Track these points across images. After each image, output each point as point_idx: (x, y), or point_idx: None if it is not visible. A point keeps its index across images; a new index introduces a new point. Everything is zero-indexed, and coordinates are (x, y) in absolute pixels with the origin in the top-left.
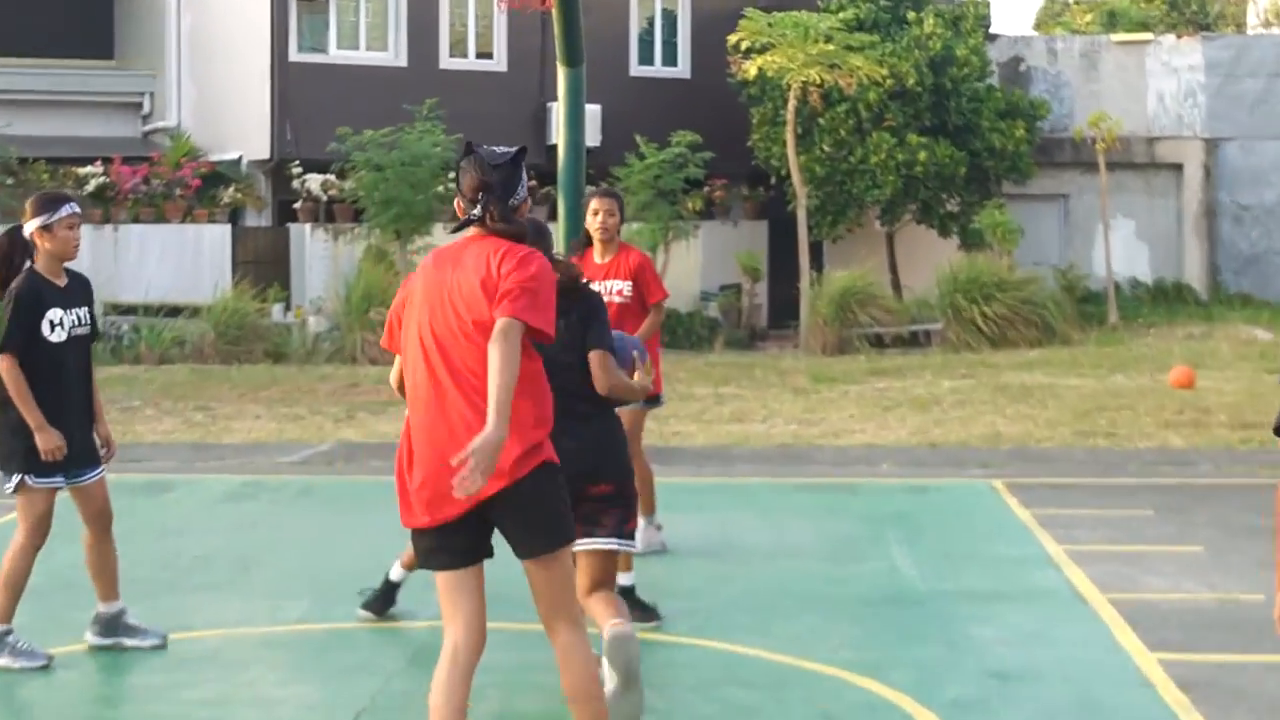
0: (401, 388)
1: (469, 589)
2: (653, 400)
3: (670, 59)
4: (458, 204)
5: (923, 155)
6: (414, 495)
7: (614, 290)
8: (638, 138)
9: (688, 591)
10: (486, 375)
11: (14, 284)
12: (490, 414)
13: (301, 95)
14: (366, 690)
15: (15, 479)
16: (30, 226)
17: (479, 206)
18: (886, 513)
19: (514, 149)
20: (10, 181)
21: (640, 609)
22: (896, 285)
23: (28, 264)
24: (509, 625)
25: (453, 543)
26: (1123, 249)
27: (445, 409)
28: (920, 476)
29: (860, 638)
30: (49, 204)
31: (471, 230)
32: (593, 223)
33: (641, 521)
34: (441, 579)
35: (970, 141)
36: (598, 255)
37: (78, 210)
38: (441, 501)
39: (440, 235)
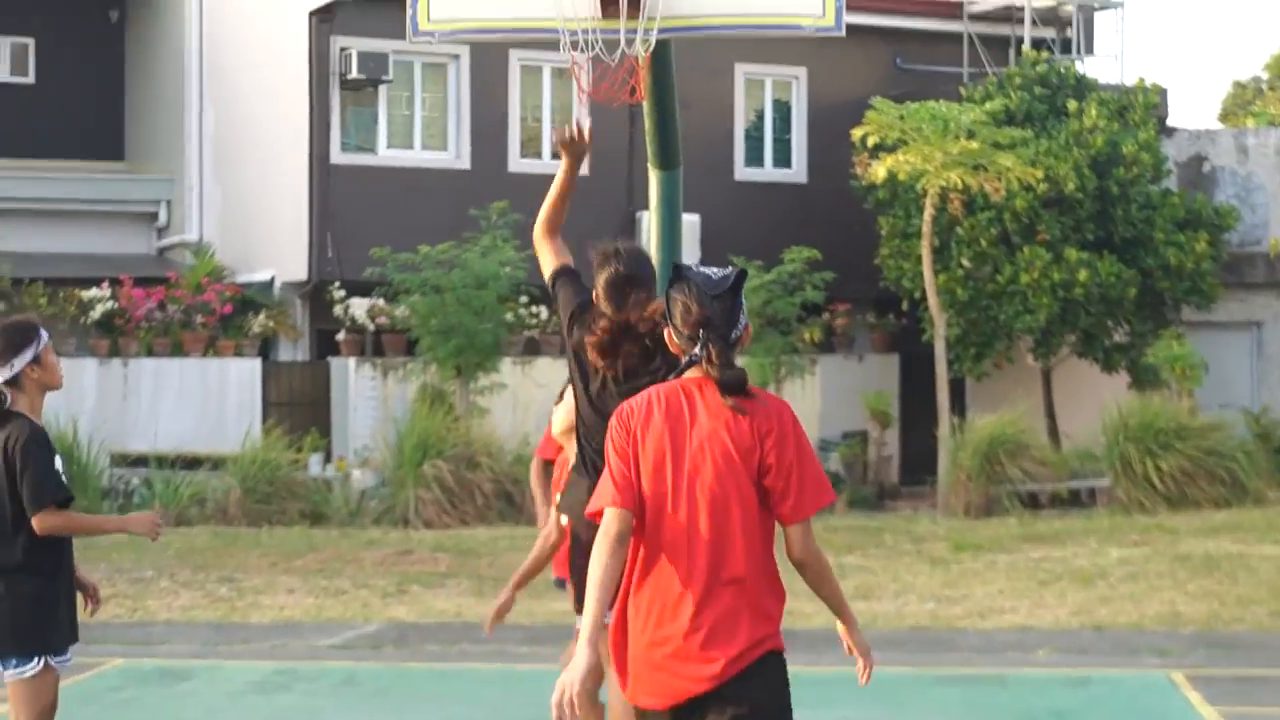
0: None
1: None
2: None
3: (783, 160)
4: (668, 335)
5: (1084, 274)
6: (643, 674)
7: None
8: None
9: None
10: (740, 544)
11: (13, 435)
12: (848, 615)
13: (345, 204)
14: None
15: (35, 661)
16: (21, 362)
17: (699, 346)
18: (1042, 709)
19: (733, 272)
20: (2, 307)
21: None
22: (1054, 432)
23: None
24: None
25: None
26: None
27: (696, 587)
28: (1084, 666)
29: None
30: (28, 331)
31: (693, 371)
32: None
33: None
34: None
35: (1141, 258)
36: None
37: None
38: (673, 685)
39: (508, 372)
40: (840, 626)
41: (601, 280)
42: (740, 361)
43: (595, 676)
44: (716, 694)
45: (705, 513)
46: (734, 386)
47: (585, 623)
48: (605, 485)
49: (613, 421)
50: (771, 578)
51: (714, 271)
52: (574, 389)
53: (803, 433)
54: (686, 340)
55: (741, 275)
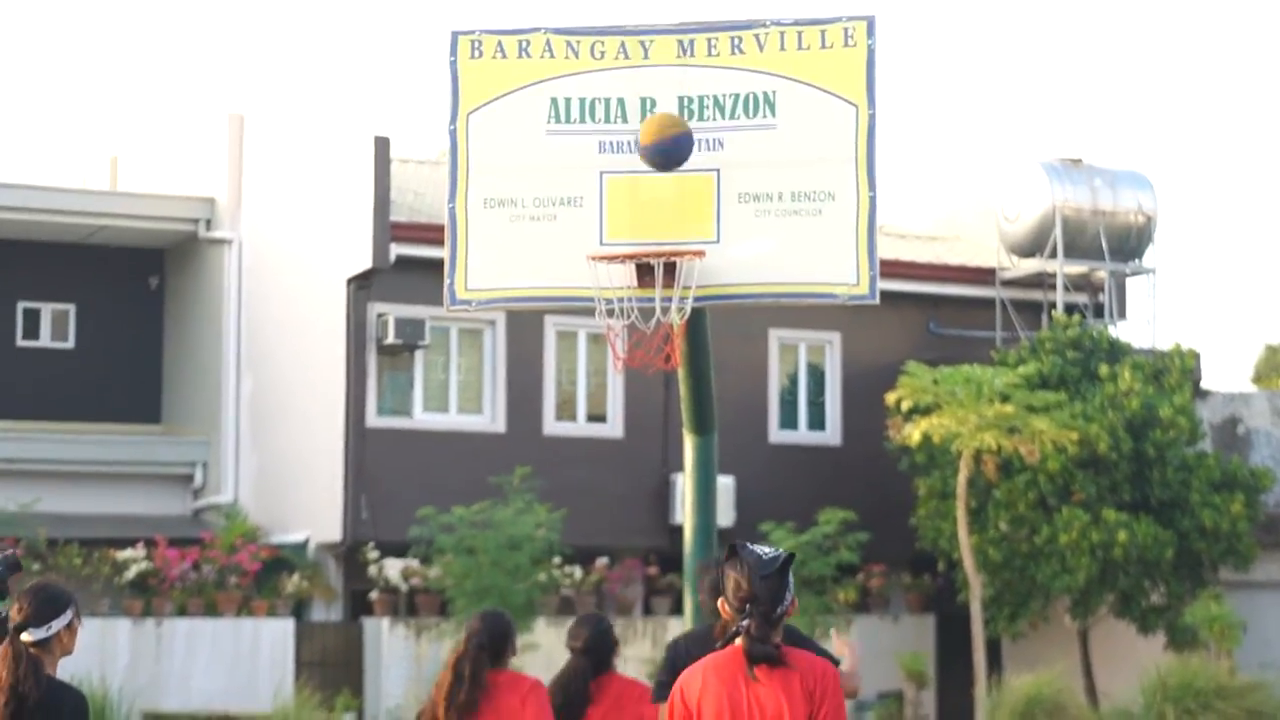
0: None
1: None
2: None
3: (817, 423)
4: (722, 605)
5: (1122, 535)
6: None
7: None
8: (766, 523)
9: None
10: None
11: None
12: None
13: (380, 466)
14: None
15: None
16: (59, 624)
17: (745, 618)
18: None
19: (782, 555)
20: (37, 567)
21: None
22: (1092, 692)
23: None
24: None
25: None
26: None
27: None
28: None
29: None
30: (65, 597)
31: (739, 642)
32: None
33: None
34: None
35: (1178, 519)
36: None
37: None
38: None
39: (543, 632)
40: None
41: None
42: None
43: None
44: None
45: None
46: (757, 658)
47: None
48: None
49: (673, 694)
50: None
51: (765, 551)
52: None
53: (841, 695)
54: (735, 611)
55: (790, 558)
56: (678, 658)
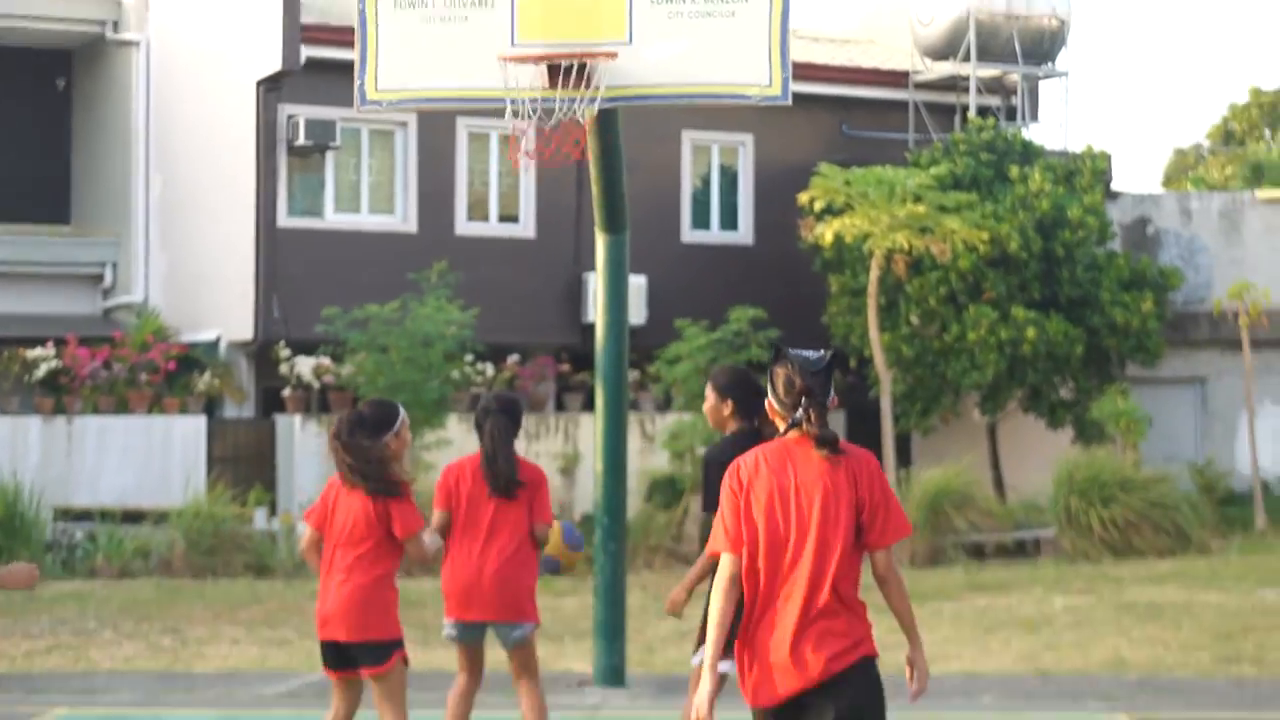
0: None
1: None
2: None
3: (729, 222)
4: (769, 405)
5: (1031, 332)
6: (762, 677)
7: None
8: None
9: None
10: (837, 571)
11: None
12: (913, 632)
13: (291, 266)
14: None
15: None
16: None
17: (800, 410)
18: None
19: (827, 354)
20: None
21: None
22: (999, 485)
23: None
24: None
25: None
26: (1271, 441)
27: (800, 605)
28: (1029, 710)
29: None
30: None
31: (792, 434)
32: None
33: None
34: None
35: (1087, 316)
36: None
37: None
38: (784, 683)
39: (454, 428)
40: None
41: None
42: (686, 416)
43: (717, 695)
44: (818, 691)
45: (812, 546)
46: (829, 443)
47: (707, 652)
48: (719, 531)
49: (727, 474)
50: (857, 600)
51: (810, 353)
52: None
53: (885, 476)
54: (788, 408)
55: (835, 357)
56: (711, 462)
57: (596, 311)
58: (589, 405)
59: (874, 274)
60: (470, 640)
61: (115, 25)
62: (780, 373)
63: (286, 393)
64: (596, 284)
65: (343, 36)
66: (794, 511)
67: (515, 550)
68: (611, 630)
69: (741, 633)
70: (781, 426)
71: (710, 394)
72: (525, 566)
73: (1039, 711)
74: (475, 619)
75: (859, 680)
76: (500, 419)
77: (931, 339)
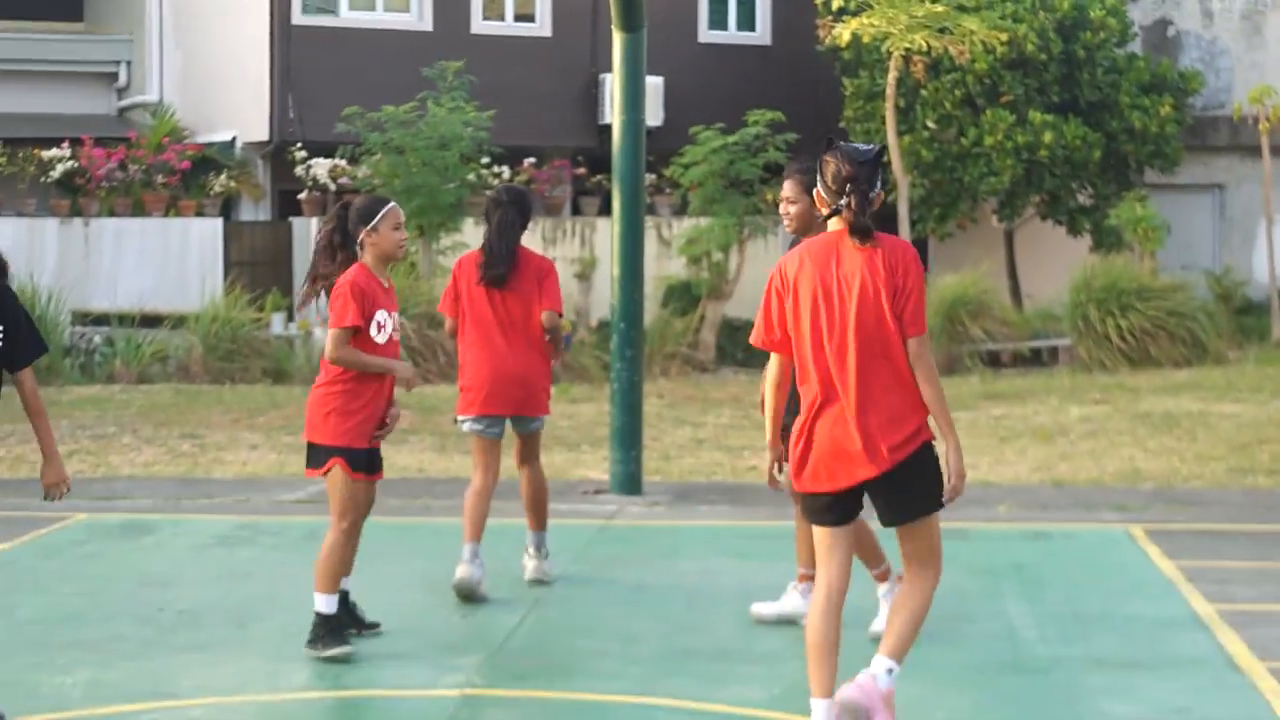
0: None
1: (845, 539)
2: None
3: (747, 22)
4: (818, 194)
5: (1049, 137)
6: (819, 465)
7: None
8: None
9: (763, 655)
10: (887, 358)
11: None
12: (946, 428)
13: (306, 65)
14: None
15: None
16: None
17: (844, 198)
18: (1003, 563)
19: (875, 148)
20: None
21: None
22: (1016, 293)
23: None
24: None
25: (844, 504)
26: None
27: (855, 395)
28: (1044, 520)
29: (970, 711)
30: None
31: (835, 222)
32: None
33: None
34: (824, 533)
35: (1106, 121)
36: None
37: None
38: (846, 473)
39: (470, 232)
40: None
41: None
42: (702, 221)
43: (779, 462)
44: (881, 479)
45: (855, 335)
46: (862, 231)
47: (768, 438)
48: (760, 323)
49: (774, 270)
50: (912, 386)
51: (859, 146)
52: None
53: (921, 268)
54: (834, 195)
55: (883, 150)
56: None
57: (613, 112)
58: (605, 210)
59: (892, 76)
60: (492, 434)
61: None
62: (830, 162)
63: (303, 196)
64: (613, 84)
65: None
66: (837, 303)
67: (531, 344)
68: (628, 437)
69: (799, 424)
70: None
71: (794, 189)
72: (542, 358)
73: (1054, 521)
74: (496, 412)
75: (920, 466)
76: (509, 210)
77: (949, 143)
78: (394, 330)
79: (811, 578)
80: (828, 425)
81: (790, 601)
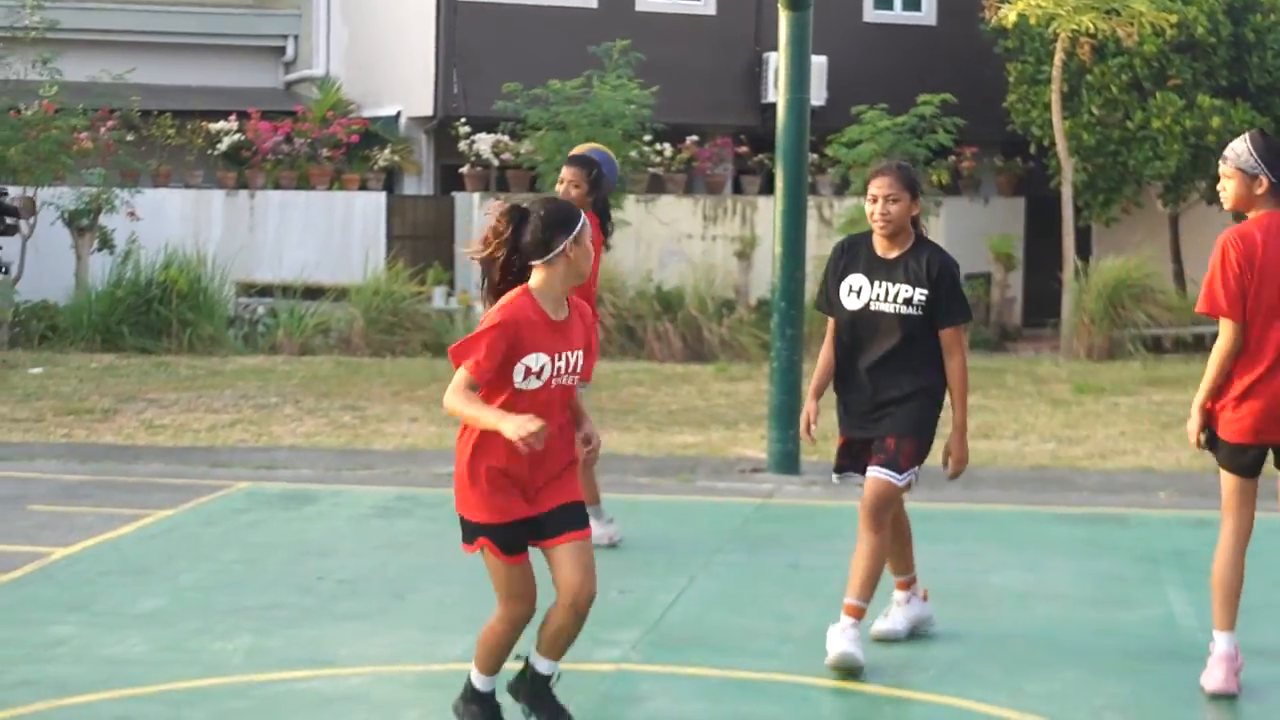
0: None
1: (1253, 491)
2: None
3: (912, 2)
4: (1263, 178)
5: (1216, 121)
6: (1260, 421)
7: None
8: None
9: (923, 638)
10: None
11: None
12: None
13: (472, 41)
14: None
15: None
16: None
17: None
18: (1164, 550)
19: None
20: (131, 137)
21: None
22: (1180, 277)
23: None
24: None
25: (1262, 459)
26: None
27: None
28: (1205, 508)
29: (1129, 699)
30: None
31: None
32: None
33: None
34: (1241, 483)
35: (1276, 105)
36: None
37: None
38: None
39: (631, 209)
40: None
41: None
42: (865, 203)
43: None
44: None
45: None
46: None
47: (1201, 395)
48: (1215, 292)
49: (1226, 243)
50: None
51: None
52: None
53: None
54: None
55: None
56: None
57: (778, 90)
58: (766, 188)
59: (1058, 57)
60: None
61: None
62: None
63: (465, 170)
64: (778, 62)
65: None
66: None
67: None
68: (786, 417)
69: (1243, 384)
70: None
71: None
72: None
73: (1214, 510)
74: None
75: None
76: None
77: (1114, 127)
78: (558, 373)
79: (908, 585)
80: (1273, 386)
81: (906, 613)
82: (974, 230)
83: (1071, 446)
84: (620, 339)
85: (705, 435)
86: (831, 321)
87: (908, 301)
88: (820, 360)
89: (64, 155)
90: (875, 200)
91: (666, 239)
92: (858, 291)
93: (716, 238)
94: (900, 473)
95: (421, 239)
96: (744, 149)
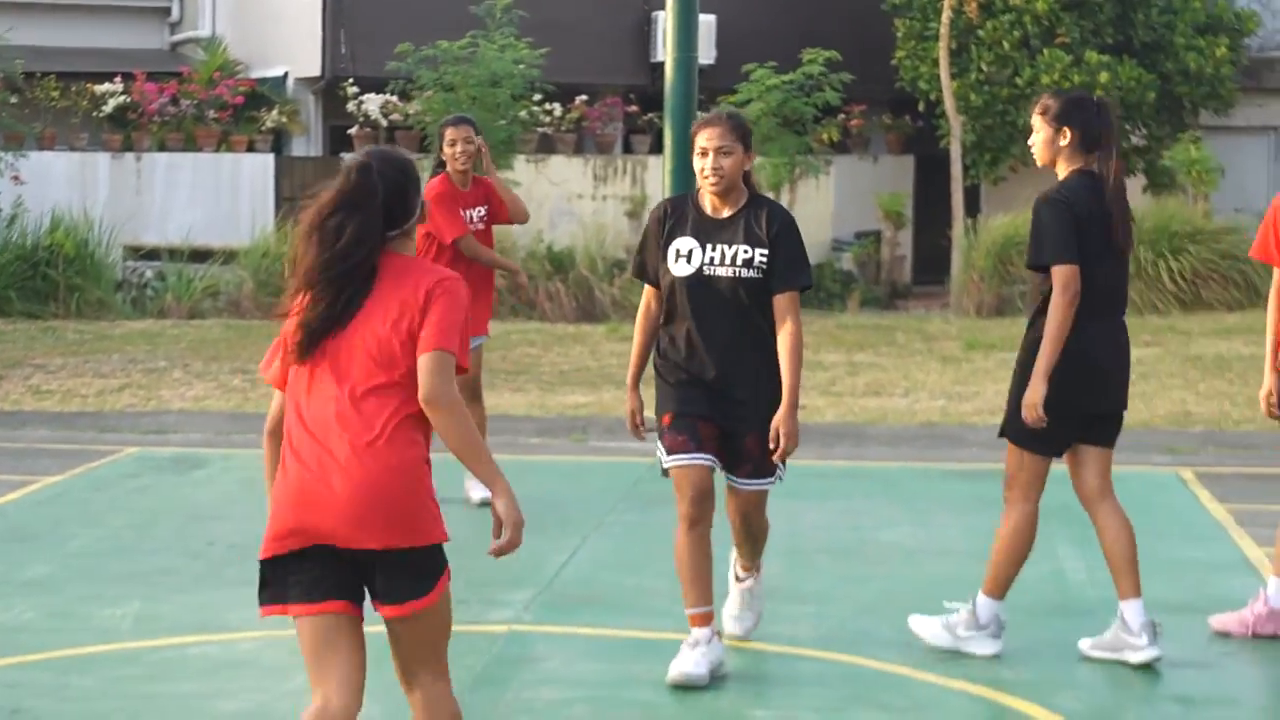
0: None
1: None
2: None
3: None
4: None
5: (1104, 77)
6: None
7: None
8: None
9: (813, 594)
10: None
11: None
12: None
13: (359, 2)
14: None
15: None
16: None
17: None
18: (1050, 505)
19: None
20: (15, 100)
21: None
22: None
23: None
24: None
25: None
26: None
27: None
28: None
29: (1019, 653)
30: None
31: None
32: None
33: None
34: None
35: (1161, 62)
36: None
37: None
38: None
39: (522, 169)
40: None
41: None
42: (756, 161)
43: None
44: None
45: None
46: None
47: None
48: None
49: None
50: None
51: None
52: None
53: None
54: None
55: None
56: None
57: (666, 49)
58: (656, 148)
59: (945, 15)
60: None
61: None
62: None
63: (354, 131)
64: (666, 21)
65: None
66: None
67: None
68: None
69: None
70: None
71: (1042, 124)
72: None
73: None
74: None
75: None
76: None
77: (1002, 85)
78: None
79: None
80: None
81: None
82: (864, 189)
83: (961, 403)
84: (510, 300)
85: (597, 395)
86: (647, 295)
87: (747, 264)
88: (635, 343)
89: None
90: (705, 154)
91: (557, 199)
92: (687, 256)
93: (607, 197)
94: (772, 474)
95: (310, 200)
96: (634, 108)
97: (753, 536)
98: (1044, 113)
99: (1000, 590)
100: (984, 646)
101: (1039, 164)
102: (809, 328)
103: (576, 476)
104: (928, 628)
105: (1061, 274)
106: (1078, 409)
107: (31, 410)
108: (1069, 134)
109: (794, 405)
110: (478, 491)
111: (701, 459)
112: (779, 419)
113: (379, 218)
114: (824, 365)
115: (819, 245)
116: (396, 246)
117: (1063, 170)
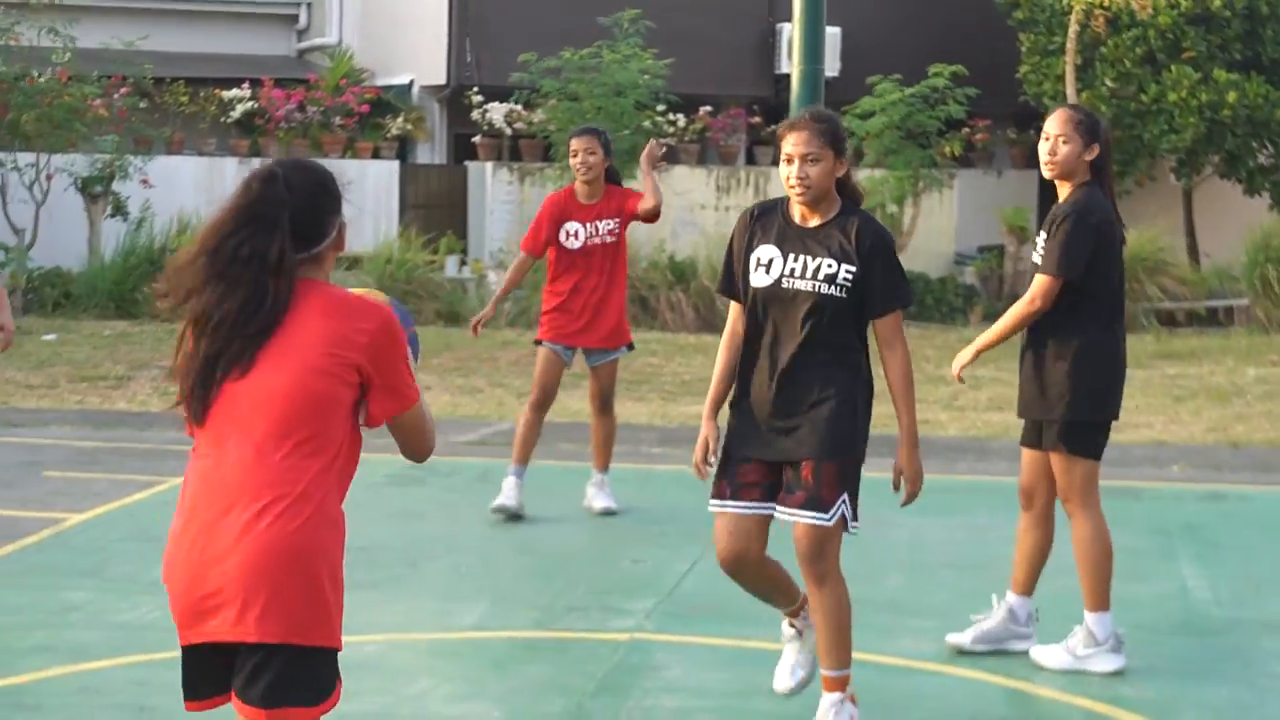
0: None
1: None
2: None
3: None
4: None
5: (1232, 95)
6: None
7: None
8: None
9: (936, 609)
10: None
11: None
12: None
13: (485, 9)
14: (553, 711)
15: None
16: None
17: None
18: (1177, 524)
19: None
20: (144, 105)
21: None
22: (1194, 251)
23: None
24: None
25: None
26: None
27: None
28: (1218, 481)
29: (1143, 672)
30: None
31: None
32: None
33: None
34: None
35: None
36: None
37: None
38: None
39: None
40: None
41: None
42: (878, 173)
43: None
44: None
45: None
46: None
47: None
48: None
49: None
50: None
51: None
52: None
53: None
54: None
55: None
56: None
57: (791, 62)
58: (779, 160)
59: (1072, 30)
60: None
61: None
62: None
63: (478, 139)
64: (792, 33)
65: None
66: None
67: None
68: None
69: None
70: None
71: (1076, 136)
72: None
73: (1229, 483)
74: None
75: None
76: None
77: (1128, 100)
78: None
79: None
80: None
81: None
82: (986, 203)
83: None
84: (634, 309)
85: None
86: (733, 314)
87: (830, 279)
88: (718, 366)
89: (77, 122)
90: (790, 160)
91: (680, 209)
92: (767, 265)
93: (729, 208)
94: (827, 509)
95: (434, 208)
96: (757, 119)
97: (817, 593)
98: (1076, 126)
99: (1101, 602)
100: (1106, 663)
101: (1052, 175)
102: (931, 342)
103: (698, 486)
104: (1050, 657)
105: (1050, 286)
106: (1115, 412)
107: (158, 412)
108: (1095, 149)
109: (914, 442)
110: (600, 500)
111: (732, 507)
112: (901, 459)
113: (287, 236)
114: (946, 380)
115: (942, 258)
116: (306, 273)
117: (1072, 183)
